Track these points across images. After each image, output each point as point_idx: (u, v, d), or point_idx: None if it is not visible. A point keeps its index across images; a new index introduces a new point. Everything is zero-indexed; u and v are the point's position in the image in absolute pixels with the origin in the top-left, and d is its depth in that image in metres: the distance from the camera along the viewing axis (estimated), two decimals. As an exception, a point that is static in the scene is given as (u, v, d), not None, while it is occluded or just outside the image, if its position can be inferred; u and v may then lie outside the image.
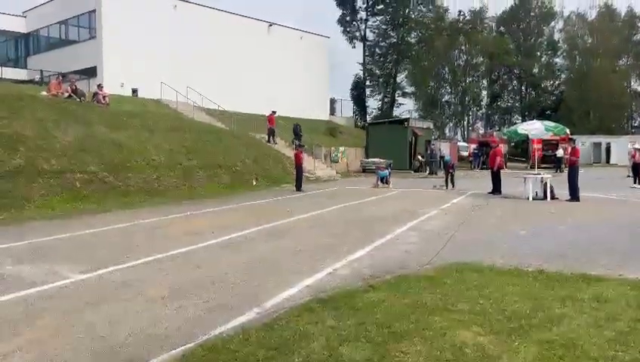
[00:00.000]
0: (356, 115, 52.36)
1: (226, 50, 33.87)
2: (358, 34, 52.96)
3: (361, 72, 53.54)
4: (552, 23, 57.60)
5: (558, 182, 16.02)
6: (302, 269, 6.49)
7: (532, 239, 8.65)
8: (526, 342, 3.92)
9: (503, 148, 24.36)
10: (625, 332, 4.11)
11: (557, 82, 58.59)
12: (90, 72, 29.59)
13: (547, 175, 15.87)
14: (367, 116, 51.97)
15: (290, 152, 23.80)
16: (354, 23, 53.11)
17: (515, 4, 56.45)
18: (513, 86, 59.59)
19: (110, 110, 20.14)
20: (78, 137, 15.82)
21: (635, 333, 4.07)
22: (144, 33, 29.63)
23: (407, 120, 35.36)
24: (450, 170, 19.79)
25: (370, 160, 30.03)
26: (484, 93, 58.33)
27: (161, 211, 12.43)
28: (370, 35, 53.08)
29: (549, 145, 34.18)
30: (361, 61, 53.15)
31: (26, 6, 36.16)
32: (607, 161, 42.86)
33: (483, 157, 33.33)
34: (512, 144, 44.15)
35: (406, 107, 57.27)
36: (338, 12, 52.57)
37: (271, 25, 38.59)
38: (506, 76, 58.44)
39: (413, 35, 52.85)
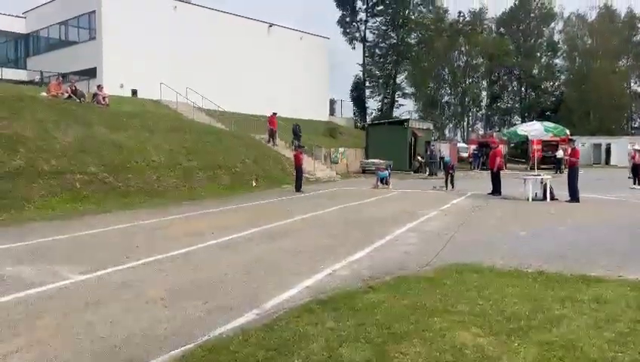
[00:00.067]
0: (356, 116, 52.40)
1: (226, 51, 33.89)
2: (357, 35, 53.06)
3: (361, 72, 53.65)
4: (552, 24, 57.70)
5: (558, 183, 16.03)
6: (301, 270, 6.49)
7: (532, 240, 8.65)
8: (526, 343, 3.92)
9: (502, 149, 24.36)
10: (625, 333, 4.11)
11: (557, 83, 58.63)
12: (90, 73, 29.60)
13: (547, 176, 15.87)
14: (367, 117, 52.02)
15: (289, 153, 23.80)
16: (354, 23, 53.20)
17: (514, 5, 56.49)
18: (513, 87, 59.62)
19: (110, 111, 20.15)
20: (77, 138, 15.83)
21: (634, 334, 4.07)
22: (144, 34, 29.65)
23: (406, 121, 35.33)
24: (450, 171, 19.79)
25: (369, 161, 30.03)
26: (484, 94, 58.41)
27: (161, 212, 12.43)
28: (370, 36, 53.26)
29: (549, 146, 34.21)
30: (361, 62, 53.30)
31: (26, 7, 36.25)
32: (607, 162, 42.88)
33: (483, 158, 33.35)
34: (512, 145, 44.20)
35: (406, 108, 57.70)
36: (338, 13, 52.79)
37: (271, 26, 38.61)
38: (505, 77, 58.47)
39: (413, 36, 52.92)
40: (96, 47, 29.59)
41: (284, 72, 37.69)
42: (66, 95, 19.95)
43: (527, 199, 14.86)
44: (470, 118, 59.05)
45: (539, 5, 56.38)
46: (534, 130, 16.72)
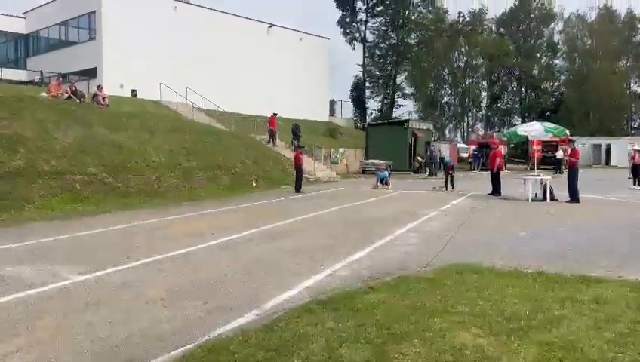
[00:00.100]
0: (356, 116, 52.38)
1: (226, 52, 33.89)
2: (357, 35, 53.06)
3: (361, 73, 53.63)
4: (552, 25, 57.73)
5: (558, 183, 16.02)
6: (301, 270, 6.49)
7: (532, 240, 8.65)
8: (525, 343, 3.92)
9: (502, 149, 24.38)
10: (624, 333, 4.11)
11: (557, 83, 58.66)
12: (90, 73, 29.61)
13: (547, 176, 15.87)
14: (367, 117, 52.01)
15: (289, 154, 23.80)
16: (354, 24, 53.20)
17: (514, 5, 56.51)
18: (513, 87, 59.65)
19: (110, 111, 20.16)
20: (77, 138, 15.83)
21: (634, 335, 4.07)
22: (144, 34, 29.66)
23: (406, 121, 35.33)
24: (450, 172, 19.79)
25: (369, 161, 30.04)
26: (484, 94, 58.42)
27: (161, 212, 12.43)
28: (369, 37, 53.27)
29: (549, 146, 34.20)
30: (361, 62, 53.29)
31: (25, 7, 36.28)
32: (607, 162, 42.87)
33: (483, 158, 33.35)
34: (512, 145, 44.18)
35: (406, 108, 57.50)
36: (338, 13, 52.77)
37: (271, 26, 38.62)
38: (505, 77, 58.48)
39: (413, 37, 52.90)
40: (96, 47, 29.60)
41: (284, 72, 37.70)
42: (66, 95, 19.96)
43: (527, 199, 14.86)
44: (470, 118, 59.10)
45: (539, 6, 56.40)
46: (534, 130, 16.73)
